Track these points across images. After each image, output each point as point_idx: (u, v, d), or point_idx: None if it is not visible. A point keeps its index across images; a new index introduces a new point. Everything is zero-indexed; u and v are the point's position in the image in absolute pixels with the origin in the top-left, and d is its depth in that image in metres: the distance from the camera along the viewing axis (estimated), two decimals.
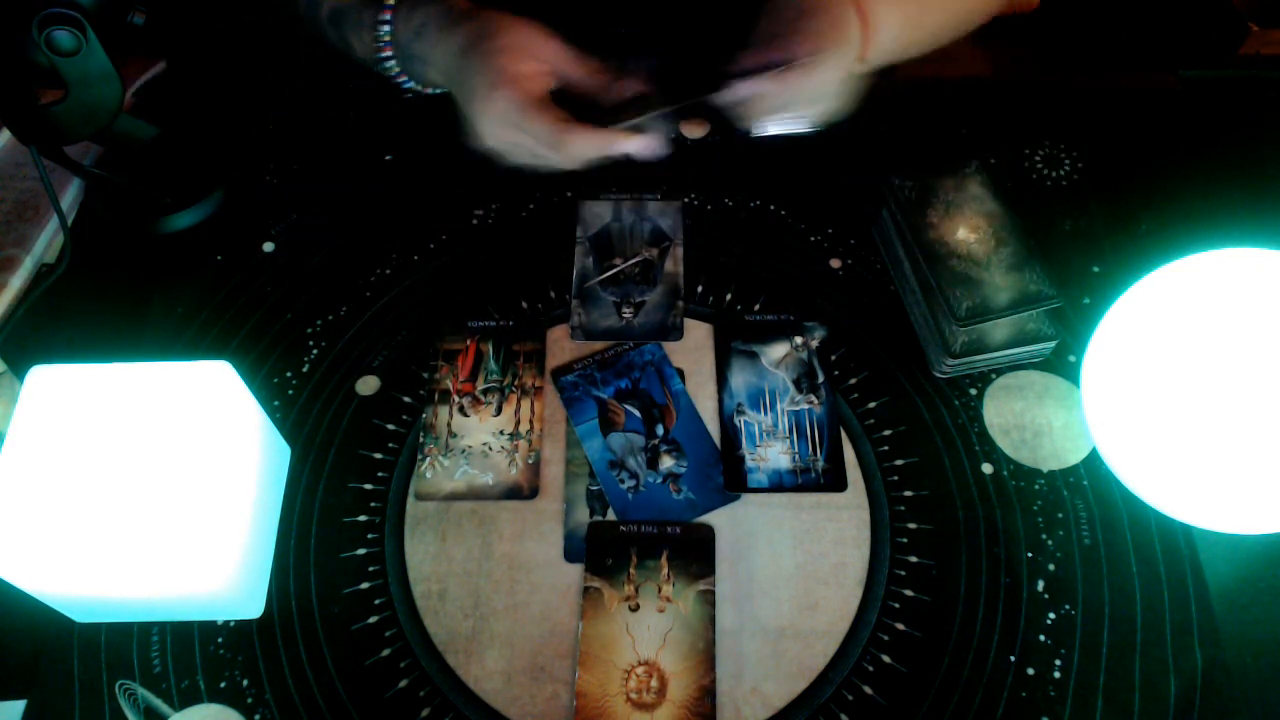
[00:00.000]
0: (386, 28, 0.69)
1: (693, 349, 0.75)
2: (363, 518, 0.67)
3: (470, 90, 0.63)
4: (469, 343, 0.74)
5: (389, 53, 0.70)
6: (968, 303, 0.69)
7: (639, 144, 0.63)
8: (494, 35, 0.63)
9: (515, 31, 0.64)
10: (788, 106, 0.64)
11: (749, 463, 0.69)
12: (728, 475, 0.68)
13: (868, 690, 0.61)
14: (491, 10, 0.65)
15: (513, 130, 0.63)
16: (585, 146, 0.62)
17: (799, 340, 0.74)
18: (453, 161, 0.84)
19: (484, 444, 0.70)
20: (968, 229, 0.72)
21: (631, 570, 0.64)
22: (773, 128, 0.66)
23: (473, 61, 0.63)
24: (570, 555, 0.65)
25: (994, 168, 0.77)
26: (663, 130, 0.64)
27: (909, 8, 0.69)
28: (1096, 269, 0.78)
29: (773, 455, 0.69)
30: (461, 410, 0.71)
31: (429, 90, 0.73)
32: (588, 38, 0.66)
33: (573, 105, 0.64)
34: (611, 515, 0.67)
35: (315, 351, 0.75)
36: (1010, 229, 0.73)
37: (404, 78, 0.72)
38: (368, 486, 0.68)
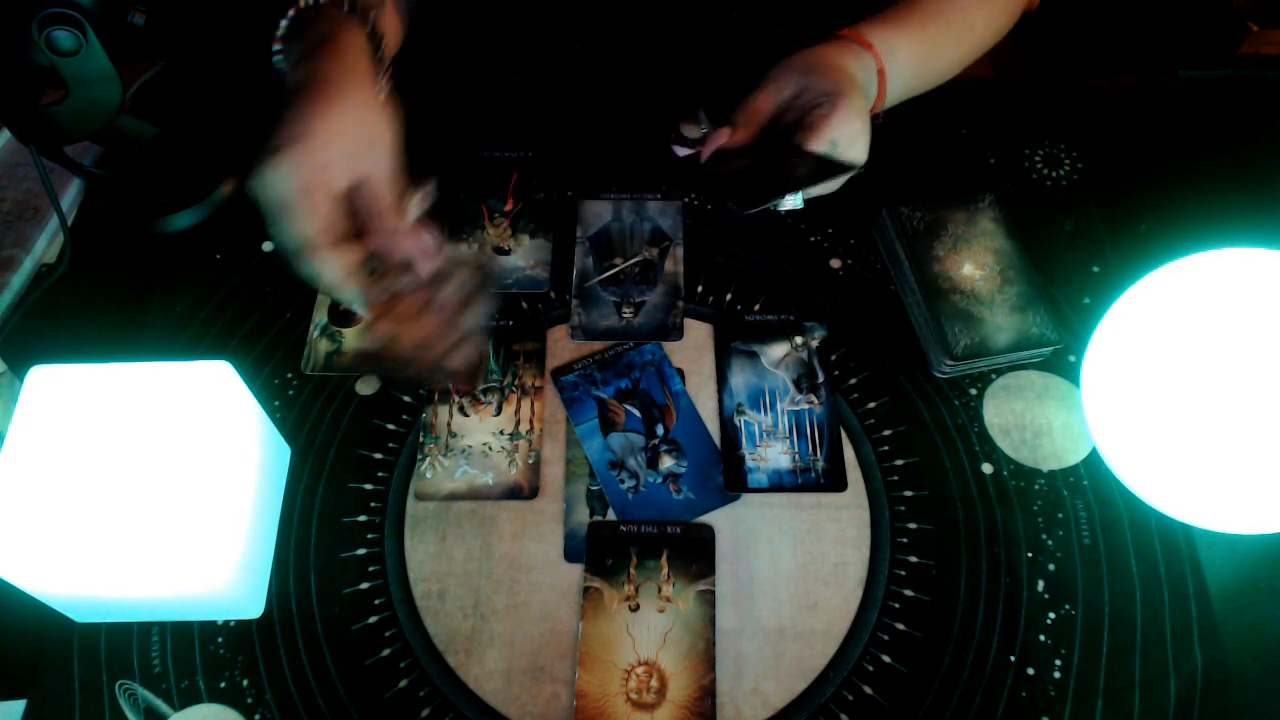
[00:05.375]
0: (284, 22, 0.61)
1: (693, 349, 0.75)
2: (363, 518, 0.67)
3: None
4: None
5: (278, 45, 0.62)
6: (965, 340, 0.69)
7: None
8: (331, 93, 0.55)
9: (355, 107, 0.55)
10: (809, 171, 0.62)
11: (749, 463, 0.69)
12: (728, 475, 0.68)
13: (868, 690, 0.61)
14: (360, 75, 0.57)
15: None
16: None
17: (799, 340, 0.74)
18: (449, 164, 0.84)
19: (484, 444, 0.70)
20: (974, 265, 0.72)
21: (631, 570, 0.64)
22: (788, 201, 0.64)
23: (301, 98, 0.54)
24: (570, 555, 0.65)
25: (1003, 195, 0.77)
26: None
27: (921, 50, 0.69)
28: (1096, 269, 0.78)
29: (773, 455, 0.69)
30: (461, 410, 0.71)
31: None
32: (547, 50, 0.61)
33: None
34: (611, 515, 0.67)
35: None
36: (1019, 267, 0.73)
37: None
38: (368, 486, 0.68)
